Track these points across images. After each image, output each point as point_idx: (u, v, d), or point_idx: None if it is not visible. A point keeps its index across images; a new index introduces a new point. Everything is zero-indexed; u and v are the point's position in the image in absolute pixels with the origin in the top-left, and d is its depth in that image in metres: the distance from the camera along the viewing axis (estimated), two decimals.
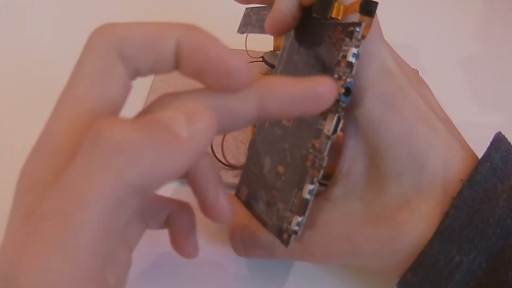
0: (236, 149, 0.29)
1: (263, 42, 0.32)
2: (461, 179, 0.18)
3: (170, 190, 0.28)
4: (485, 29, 0.41)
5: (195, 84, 0.36)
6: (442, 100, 0.22)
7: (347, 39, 0.17)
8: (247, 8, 0.30)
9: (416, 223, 0.19)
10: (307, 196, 0.18)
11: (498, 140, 0.19)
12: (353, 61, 0.17)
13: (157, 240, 0.25)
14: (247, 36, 0.32)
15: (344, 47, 0.17)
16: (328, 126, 0.17)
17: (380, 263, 0.20)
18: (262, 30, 0.27)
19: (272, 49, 0.33)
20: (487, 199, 0.18)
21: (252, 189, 0.22)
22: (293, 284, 0.24)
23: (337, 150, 0.21)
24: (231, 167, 0.28)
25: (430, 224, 0.18)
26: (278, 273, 0.24)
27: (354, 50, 0.16)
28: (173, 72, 0.37)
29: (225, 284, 0.24)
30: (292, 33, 0.21)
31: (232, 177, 0.28)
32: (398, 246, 0.19)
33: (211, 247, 0.25)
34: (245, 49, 0.32)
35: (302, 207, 0.18)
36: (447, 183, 0.19)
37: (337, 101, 0.17)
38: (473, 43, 0.40)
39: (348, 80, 0.17)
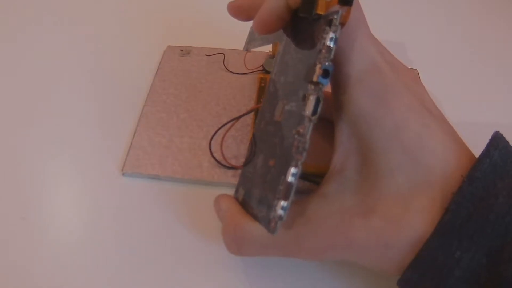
0: (236, 149, 0.30)
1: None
2: (461, 175, 0.19)
3: (165, 189, 0.28)
4: (483, 29, 0.42)
5: (195, 85, 0.37)
6: (440, 100, 0.23)
7: (327, 28, 0.18)
8: (251, 26, 0.31)
9: (411, 218, 0.19)
10: (290, 179, 0.19)
11: (496, 138, 0.20)
12: (331, 45, 0.18)
13: (153, 240, 0.26)
14: (246, 54, 0.35)
15: (324, 35, 0.19)
16: (309, 108, 0.18)
17: (375, 259, 0.20)
18: (264, 42, 0.30)
19: (270, 53, 0.35)
20: (486, 196, 0.19)
21: (248, 188, 0.22)
22: (289, 283, 0.24)
23: (331, 148, 0.21)
24: (231, 167, 0.28)
25: (425, 220, 0.19)
26: (274, 273, 0.25)
27: (331, 34, 0.18)
28: (172, 73, 0.38)
29: (219, 283, 0.25)
30: (284, 37, 0.23)
31: (232, 177, 0.28)
32: (392, 241, 0.19)
33: (204, 246, 0.26)
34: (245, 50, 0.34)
35: (286, 191, 0.19)
36: (443, 179, 0.19)
37: (317, 83, 0.18)
38: (473, 43, 0.40)
39: (326, 63, 0.18)
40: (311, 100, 0.18)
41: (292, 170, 0.18)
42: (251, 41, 0.32)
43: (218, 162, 0.29)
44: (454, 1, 0.45)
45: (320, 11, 0.19)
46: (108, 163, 0.30)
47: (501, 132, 0.21)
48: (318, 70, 0.18)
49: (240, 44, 0.36)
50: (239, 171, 0.29)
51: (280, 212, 0.18)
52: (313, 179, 0.25)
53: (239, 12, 0.23)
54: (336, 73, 0.21)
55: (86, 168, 0.29)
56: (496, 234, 0.18)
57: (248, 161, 0.24)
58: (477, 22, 0.43)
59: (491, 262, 0.18)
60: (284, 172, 0.19)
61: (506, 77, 0.37)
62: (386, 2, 0.44)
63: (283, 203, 0.18)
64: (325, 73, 0.18)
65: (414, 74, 0.23)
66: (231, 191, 0.25)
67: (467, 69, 0.38)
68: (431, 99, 0.22)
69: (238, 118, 0.30)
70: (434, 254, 0.18)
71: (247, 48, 0.33)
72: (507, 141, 0.20)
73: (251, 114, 0.31)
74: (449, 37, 0.41)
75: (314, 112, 0.18)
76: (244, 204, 0.23)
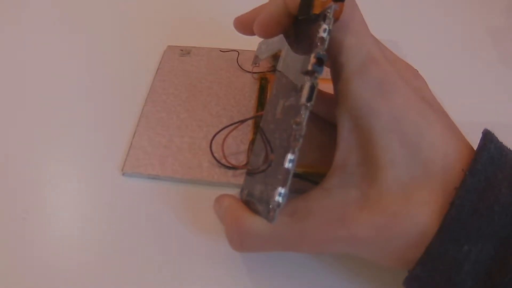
0: (236, 149, 0.30)
1: None
2: (462, 169, 0.20)
3: (165, 189, 0.28)
4: (480, 27, 0.42)
5: (195, 85, 0.37)
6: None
7: (322, 22, 0.19)
8: (259, 42, 0.33)
9: (411, 211, 0.20)
10: (287, 165, 0.19)
11: (489, 134, 0.21)
12: (324, 36, 0.19)
13: (153, 240, 0.26)
14: (253, 67, 0.35)
15: (319, 29, 0.19)
16: (304, 96, 0.19)
17: (376, 252, 0.21)
18: (270, 51, 0.31)
19: (280, 52, 0.35)
20: (489, 187, 0.19)
21: (251, 186, 0.23)
22: (290, 281, 0.25)
23: (332, 149, 0.21)
24: (232, 167, 0.29)
25: (426, 214, 0.19)
26: (274, 272, 0.25)
27: (325, 26, 0.19)
28: (172, 73, 0.38)
29: (220, 283, 0.25)
30: (287, 42, 0.24)
31: (232, 177, 0.28)
32: (393, 234, 0.20)
33: (204, 246, 0.26)
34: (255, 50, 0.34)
35: (284, 178, 0.19)
36: (444, 172, 0.20)
37: (312, 72, 0.19)
38: (470, 42, 0.41)
39: (321, 52, 0.19)
40: (306, 87, 0.19)
41: (289, 156, 0.19)
42: (258, 54, 0.33)
43: (218, 162, 0.29)
44: (456, 2, 0.45)
45: (316, 10, 0.20)
46: (108, 163, 0.30)
47: (497, 130, 0.21)
48: (312, 59, 0.19)
49: (241, 44, 0.36)
50: (239, 171, 0.29)
51: (278, 199, 0.19)
52: (313, 179, 0.25)
53: (244, 27, 0.24)
54: (335, 66, 0.21)
55: (86, 168, 0.30)
56: (503, 224, 0.18)
57: (251, 162, 0.24)
58: (473, 20, 0.43)
59: (500, 252, 0.18)
60: (282, 162, 0.19)
61: (502, 77, 0.38)
62: (382, 1, 0.44)
63: (280, 189, 0.19)
64: (319, 62, 0.19)
65: (414, 71, 0.23)
66: (231, 191, 0.25)
67: (462, 67, 0.38)
68: (432, 94, 0.22)
69: (242, 121, 0.30)
70: (443, 250, 0.19)
71: (255, 62, 0.34)
72: (496, 137, 0.21)
73: (252, 115, 0.32)
74: (445, 36, 0.41)
75: (309, 99, 0.19)
76: (248, 202, 0.23)
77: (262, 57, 0.32)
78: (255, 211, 0.22)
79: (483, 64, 0.39)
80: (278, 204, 0.19)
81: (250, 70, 0.35)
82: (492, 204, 0.18)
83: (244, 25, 0.24)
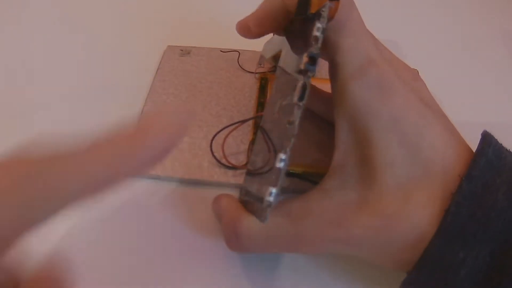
0: (236, 149, 0.30)
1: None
2: (459, 175, 0.19)
3: (165, 189, 0.28)
4: (478, 27, 0.42)
5: (195, 85, 0.37)
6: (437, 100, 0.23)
7: (317, 21, 0.19)
8: (265, 43, 0.33)
9: (410, 213, 0.20)
10: (278, 165, 0.19)
11: (487, 136, 0.21)
12: (318, 34, 0.19)
13: (152, 240, 0.26)
14: (256, 69, 0.35)
15: (313, 28, 0.19)
16: (296, 95, 0.19)
17: (375, 253, 0.21)
18: (272, 51, 0.31)
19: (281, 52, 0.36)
20: (487, 193, 0.19)
21: (250, 186, 0.23)
22: (288, 281, 0.25)
23: (331, 148, 0.21)
24: (232, 167, 0.29)
25: (425, 216, 0.19)
26: (273, 272, 0.25)
27: (318, 25, 0.19)
28: (172, 73, 0.38)
29: (219, 282, 0.25)
30: (286, 43, 0.24)
31: (232, 177, 0.29)
32: (392, 235, 0.20)
33: (204, 246, 0.26)
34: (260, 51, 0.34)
35: (275, 178, 0.19)
36: (444, 174, 0.20)
37: (305, 71, 0.19)
38: (468, 42, 0.41)
39: (314, 51, 0.19)
40: (298, 86, 0.19)
41: (281, 156, 0.19)
42: (264, 54, 0.33)
43: (219, 162, 0.29)
44: (456, 2, 0.45)
45: (313, 10, 0.20)
46: None
47: (496, 130, 0.21)
48: (305, 58, 0.19)
49: (241, 44, 0.36)
50: (239, 171, 0.29)
51: (268, 198, 0.19)
52: (313, 179, 0.25)
53: (247, 30, 0.24)
54: (333, 67, 0.21)
55: None
56: (500, 230, 0.18)
57: (250, 161, 0.24)
58: (472, 20, 0.43)
59: (497, 259, 0.18)
60: (276, 162, 0.19)
61: (501, 77, 0.38)
62: (382, 1, 0.44)
63: (271, 189, 0.19)
64: (312, 60, 0.19)
65: (413, 72, 0.23)
66: (231, 191, 0.25)
67: (462, 67, 0.38)
68: (431, 95, 0.22)
69: (243, 121, 0.30)
70: (439, 255, 0.19)
71: (261, 62, 0.34)
72: (496, 139, 0.21)
73: (252, 115, 0.32)
74: (445, 36, 0.41)
75: (301, 98, 0.19)
76: (246, 202, 0.23)
77: (267, 56, 0.32)
78: (252, 211, 0.22)
79: (483, 63, 0.39)
80: (269, 204, 0.19)
81: (252, 70, 0.35)
82: (489, 211, 0.18)
83: (246, 28, 0.24)
